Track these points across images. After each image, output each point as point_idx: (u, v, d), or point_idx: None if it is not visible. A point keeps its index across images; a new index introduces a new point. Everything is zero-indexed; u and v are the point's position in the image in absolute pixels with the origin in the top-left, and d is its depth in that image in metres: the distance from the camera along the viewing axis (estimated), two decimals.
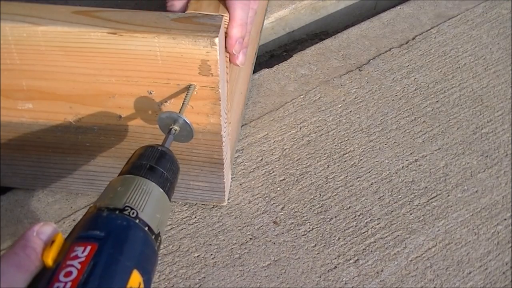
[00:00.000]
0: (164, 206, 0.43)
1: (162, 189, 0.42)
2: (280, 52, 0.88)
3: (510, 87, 0.75)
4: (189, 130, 0.48)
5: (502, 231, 0.60)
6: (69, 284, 0.34)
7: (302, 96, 0.74)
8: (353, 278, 0.56)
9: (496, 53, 0.80)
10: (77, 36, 0.48)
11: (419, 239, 0.59)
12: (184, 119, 0.47)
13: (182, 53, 0.47)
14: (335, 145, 0.68)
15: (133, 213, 0.39)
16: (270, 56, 0.88)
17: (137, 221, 0.39)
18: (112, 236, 0.37)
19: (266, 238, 0.59)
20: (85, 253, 0.35)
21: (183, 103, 0.48)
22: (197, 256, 0.58)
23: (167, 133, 0.48)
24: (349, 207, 0.62)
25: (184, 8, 0.52)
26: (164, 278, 0.56)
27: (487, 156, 0.67)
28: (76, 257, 0.35)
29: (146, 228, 0.39)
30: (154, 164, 0.43)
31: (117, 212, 0.39)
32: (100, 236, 0.37)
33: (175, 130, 0.47)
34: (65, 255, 0.36)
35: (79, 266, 0.35)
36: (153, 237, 0.40)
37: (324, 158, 0.67)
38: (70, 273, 0.34)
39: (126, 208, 0.39)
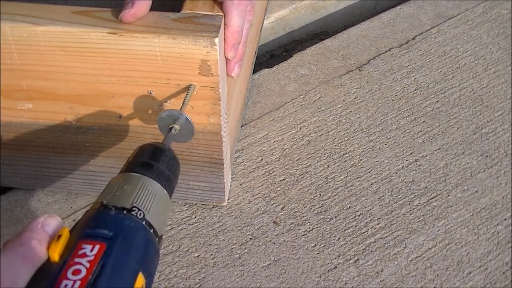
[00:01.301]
0: (167, 208, 0.42)
1: (166, 190, 0.42)
2: (280, 52, 0.88)
3: (510, 87, 0.75)
4: (189, 129, 0.48)
5: (502, 231, 0.60)
6: (78, 283, 0.33)
7: (302, 96, 0.74)
8: (353, 278, 0.56)
9: (496, 53, 0.80)
10: (77, 36, 0.48)
11: (419, 239, 0.59)
12: (185, 117, 0.47)
13: (182, 53, 0.47)
14: (335, 145, 0.68)
15: (140, 214, 0.39)
16: (270, 56, 0.88)
17: (143, 222, 0.39)
18: (121, 237, 0.37)
19: (266, 238, 0.59)
20: (94, 252, 0.35)
21: (183, 103, 0.48)
22: (197, 256, 0.58)
23: (167, 132, 0.48)
24: (349, 207, 0.62)
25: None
26: (164, 278, 0.56)
27: (487, 156, 0.67)
28: (85, 255, 0.35)
29: (152, 230, 0.39)
30: (156, 163, 0.43)
31: (125, 212, 0.38)
32: (109, 236, 0.36)
33: (175, 129, 0.47)
34: (72, 251, 0.35)
35: (87, 265, 0.34)
36: (157, 239, 0.40)
37: (324, 158, 0.67)
38: (78, 271, 0.34)
39: (134, 208, 0.39)
